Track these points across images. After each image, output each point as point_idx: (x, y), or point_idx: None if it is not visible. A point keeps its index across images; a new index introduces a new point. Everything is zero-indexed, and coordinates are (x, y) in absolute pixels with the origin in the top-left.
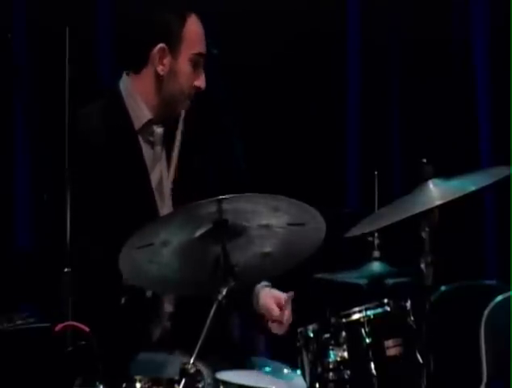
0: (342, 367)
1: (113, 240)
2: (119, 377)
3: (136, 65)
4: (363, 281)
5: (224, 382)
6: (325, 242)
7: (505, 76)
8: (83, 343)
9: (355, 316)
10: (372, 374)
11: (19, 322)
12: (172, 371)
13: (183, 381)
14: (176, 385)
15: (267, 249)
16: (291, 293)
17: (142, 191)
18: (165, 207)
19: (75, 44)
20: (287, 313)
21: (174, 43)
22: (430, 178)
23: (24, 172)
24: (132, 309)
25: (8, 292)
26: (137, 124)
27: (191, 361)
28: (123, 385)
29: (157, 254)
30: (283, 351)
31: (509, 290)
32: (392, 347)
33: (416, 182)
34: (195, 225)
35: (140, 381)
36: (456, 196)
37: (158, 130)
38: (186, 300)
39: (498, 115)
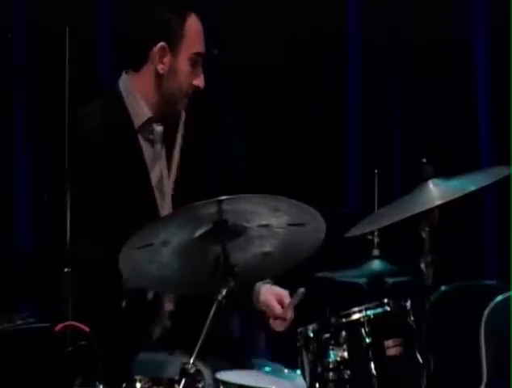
0: (342, 367)
1: (113, 240)
2: (119, 377)
3: (136, 63)
4: (362, 280)
5: (224, 382)
6: (325, 242)
7: (505, 76)
8: (83, 343)
9: (355, 316)
10: (372, 374)
11: (19, 322)
12: (172, 371)
13: (183, 381)
14: (176, 385)
15: (267, 249)
16: (303, 290)
17: (142, 190)
18: (165, 205)
19: (75, 44)
20: (290, 310)
21: (174, 42)
22: (430, 178)
23: (24, 172)
24: (133, 312)
25: (8, 292)
26: (137, 123)
27: (191, 361)
28: (123, 385)
29: (157, 254)
30: (283, 351)
31: (509, 290)
32: (392, 347)
33: (416, 182)
34: (195, 225)
35: (140, 381)
36: (456, 196)
37: (158, 128)
38: (187, 298)
39: (498, 115)
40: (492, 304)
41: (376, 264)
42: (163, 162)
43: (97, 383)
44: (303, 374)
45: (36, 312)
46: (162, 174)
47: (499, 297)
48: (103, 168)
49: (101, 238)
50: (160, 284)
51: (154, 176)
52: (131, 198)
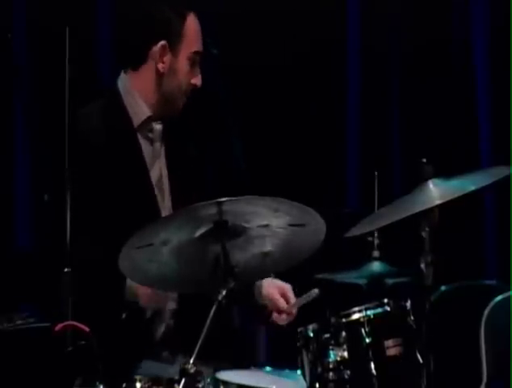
0: (342, 367)
1: (113, 240)
2: (119, 377)
3: (136, 62)
4: (362, 281)
5: (224, 382)
6: (325, 242)
7: (505, 76)
8: (83, 343)
9: (355, 316)
10: (372, 374)
11: (19, 322)
12: (172, 371)
13: (183, 381)
14: (176, 385)
15: (267, 249)
16: (317, 290)
17: (143, 189)
18: (165, 204)
19: (75, 44)
20: (297, 306)
21: (174, 41)
22: (430, 178)
23: (24, 172)
24: (131, 326)
25: (8, 292)
26: (136, 122)
27: (191, 361)
28: (123, 385)
29: (157, 253)
30: (283, 351)
31: (509, 290)
32: (392, 347)
33: (416, 182)
34: (195, 225)
35: (140, 381)
36: (456, 195)
37: (157, 126)
38: (190, 297)
39: (498, 115)
40: (492, 304)
41: (376, 266)
42: (162, 160)
43: (97, 383)
44: (303, 374)
45: (36, 312)
46: (162, 172)
47: (499, 297)
48: (103, 168)
49: (101, 238)
50: (159, 282)
51: (154, 175)
52: (131, 197)
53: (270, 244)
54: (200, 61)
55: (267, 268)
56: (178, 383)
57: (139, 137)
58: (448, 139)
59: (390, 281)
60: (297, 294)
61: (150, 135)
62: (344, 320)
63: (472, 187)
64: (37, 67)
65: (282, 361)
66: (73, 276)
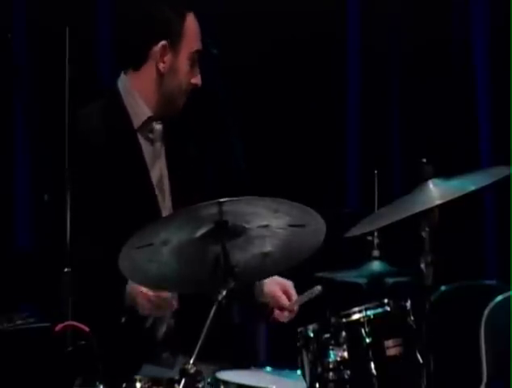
0: (342, 367)
1: (113, 240)
2: (119, 377)
3: (136, 62)
4: (362, 280)
5: (224, 382)
6: (325, 242)
7: (505, 76)
8: (83, 343)
9: (355, 316)
10: (372, 374)
11: (19, 322)
12: (172, 375)
13: (183, 381)
14: (176, 385)
15: (267, 249)
16: (320, 287)
17: (143, 189)
18: (165, 204)
19: (75, 44)
20: (299, 303)
21: (174, 40)
22: (430, 178)
23: (24, 172)
24: (130, 331)
25: (8, 292)
26: (136, 122)
27: (191, 361)
28: (123, 385)
29: (157, 253)
30: (283, 351)
31: (509, 290)
32: (392, 347)
33: (416, 182)
34: (196, 225)
35: (140, 381)
36: (456, 195)
37: (157, 127)
38: (191, 297)
39: (498, 115)
40: (492, 304)
41: (376, 265)
42: (163, 160)
43: (97, 383)
44: (303, 374)
45: (36, 312)
46: (162, 173)
47: (499, 297)
48: (103, 168)
49: (101, 238)
50: (159, 282)
51: (154, 175)
52: (131, 197)
53: (270, 244)
54: (200, 60)
55: (267, 269)
56: (178, 383)
57: (139, 137)
58: (448, 139)
59: (390, 281)
60: (297, 293)
61: (151, 135)
62: (344, 320)
63: (472, 187)
64: (37, 67)
65: (282, 361)
66: (73, 276)
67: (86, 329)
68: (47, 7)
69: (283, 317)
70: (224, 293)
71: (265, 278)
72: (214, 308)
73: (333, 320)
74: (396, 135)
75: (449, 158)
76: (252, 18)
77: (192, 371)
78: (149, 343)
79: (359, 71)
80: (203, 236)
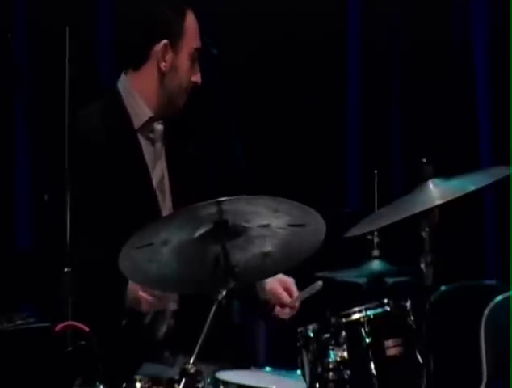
0: (342, 367)
1: (114, 240)
2: (119, 377)
3: (137, 61)
4: (362, 280)
5: (224, 382)
6: (325, 242)
7: (505, 76)
8: (83, 343)
9: (355, 316)
10: (372, 374)
11: (19, 322)
12: (172, 373)
13: (183, 381)
14: (176, 385)
15: (267, 249)
16: (320, 283)
17: (143, 190)
18: (166, 205)
19: (75, 44)
20: (300, 299)
21: (175, 39)
22: (430, 178)
23: (24, 172)
24: (131, 332)
25: (8, 292)
26: (137, 123)
27: (191, 361)
28: (123, 385)
29: (157, 253)
30: (283, 351)
31: (509, 290)
32: (392, 347)
33: (416, 182)
34: (195, 225)
35: (140, 381)
36: (456, 195)
37: (158, 127)
38: (190, 298)
39: (498, 115)
40: (492, 304)
41: (376, 264)
42: (164, 161)
43: (97, 383)
44: (303, 374)
45: (36, 312)
46: (163, 173)
47: (499, 297)
48: (103, 168)
49: (101, 238)
50: (159, 282)
51: (156, 176)
52: (132, 198)
53: (270, 244)
54: (199, 58)
55: (267, 268)
56: (178, 383)
57: (140, 137)
58: (448, 139)
59: (390, 280)
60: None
61: (151, 135)
62: (344, 320)
63: (472, 187)
64: (37, 67)
65: (282, 361)
66: (73, 276)
67: (86, 329)
68: (47, 7)
69: (284, 313)
70: (224, 292)
71: (265, 278)
72: (214, 308)
73: (333, 320)
74: (396, 135)
75: (449, 158)
76: (252, 17)
77: (192, 371)
78: (149, 343)
79: (359, 71)
80: (203, 236)
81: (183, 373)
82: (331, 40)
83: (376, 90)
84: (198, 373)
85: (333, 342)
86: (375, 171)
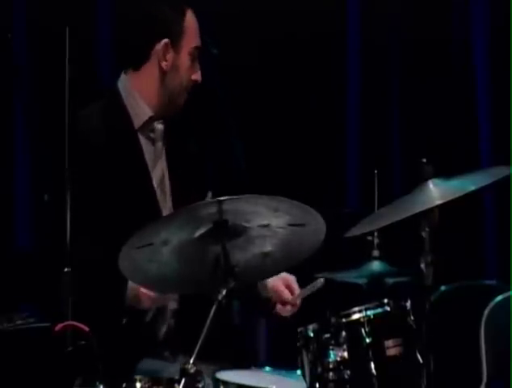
0: (342, 367)
1: (114, 240)
2: (119, 377)
3: (138, 61)
4: (362, 281)
5: (224, 382)
6: (325, 242)
7: (505, 76)
8: (83, 343)
9: (355, 316)
10: (372, 374)
11: (19, 322)
12: (173, 369)
13: (183, 381)
14: (176, 385)
15: (267, 249)
16: (322, 280)
17: (144, 190)
18: (167, 205)
19: (75, 44)
20: (302, 297)
21: (175, 38)
22: (430, 178)
23: (24, 172)
24: (131, 330)
25: (8, 292)
26: (137, 123)
27: (191, 361)
28: (123, 385)
29: (157, 253)
30: (283, 351)
31: (509, 290)
32: (392, 347)
33: (416, 182)
34: (196, 225)
35: (140, 381)
36: (456, 195)
37: (159, 126)
38: (190, 297)
39: (498, 115)
40: (492, 304)
41: (376, 265)
42: (164, 160)
43: (97, 383)
44: (303, 374)
45: (36, 312)
46: (164, 173)
47: (499, 297)
48: (104, 168)
49: (101, 238)
50: (159, 282)
51: (156, 175)
52: (132, 198)
53: (270, 244)
54: (199, 57)
55: (267, 268)
56: (178, 383)
57: (140, 137)
58: (448, 139)
59: (390, 281)
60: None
61: (152, 135)
62: (344, 320)
63: (472, 187)
64: (37, 67)
65: (282, 361)
66: (73, 276)
67: (86, 329)
68: (47, 7)
69: (286, 311)
70: (224, 292)
71: (265, 278)
72: (214, 308)
73: (333, 320)
74: (396, 135)
75: (449, 158)
76: (252, 17)
77: (192, 371)
78: (150, 342)
79: (359, 71)
80: (204, 236)
81: (183, 373)
82: (331, 40)
83: (376, 90)
84: (198, 373)
85: (333, 342)
86: (375, 171)
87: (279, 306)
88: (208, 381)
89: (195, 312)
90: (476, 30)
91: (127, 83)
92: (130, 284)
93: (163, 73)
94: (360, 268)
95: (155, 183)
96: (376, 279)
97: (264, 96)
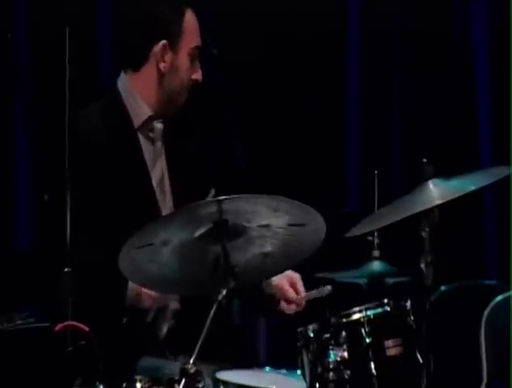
0: (342, 367)
1: (113, 240)
2: (119, 377)
3: (136, 63)
4: (362, 281)
5: (224, 382)
6: (325, 242)
7: (505, 76)
8: (83, 343)
9: (355, 316)
10: (372, 374)
11: (19, 322)
12: (173, 367)
13: (183, 381)
14: (176, 385)
15: (267, 249)
16: (330, 288)
17: (143, 190)
18: (166, 205)
19: (75, 44)
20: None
21: (174, 39)
22: (430, 178)
23: (24, 172)
24: (132, 330)
25: (8, 292)
26: (137, 122)
27: (191, 361)
28: (123, 385)
29: (157, 253)
30: (283, 351)
31: (509, 290)
32: (392, 347)
33: (416, 182)
34: (196, 225)
35: (140, 381)
36: (456, 195)
37: (158, 126)
38: (191, 298)
39: (498, 115)
40: (492, 304)
41: (376, 265)
42: (164, 160)
43: (97, 383)
44: (303, 374)
45: (36, 312)
46: (163, 172)
47: (499, 297)
48: (103, 168)
49: (101, 238)
50: (160, 283)
51: (156, 175)
52: (132, 198)
53: (270, 244)
54: (199, 56)
55: (268, 268)
56: (178, 383)
57: (140, 137)
58: (448, 139)
59: (390, 281)
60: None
61: (151, 135)
62: (344, 320)
63: (472, 187)
64: (37, 67)
65: (282, 361)
66: (73, 276)
67: (86, 329)
68: (47, 7)
69: (290, 309)
70: (224, 292)
71: (265, 278)
72: (214, 308)
73: (333, 320)
74: (396, 135)
75: (449, 158)
76: (252, 16)
77: (192, 371)
78: (150, 343)
79: (359, 71)
80: (204, 236)
81: (183, 373)
82: (331, 40)
83: (376, 90)
84: (198, 373)
85: (333, 342)
86: (375, 171)
87: (283, 304)
88: (208, 381)
89: (196, 312)
90: (476, 30)
91: (126, 83)
92: (131, 283)
93: (162, 74)
94: (360, 268)
95: (154, 182)
96: (376, 279)
97: (264, 96)
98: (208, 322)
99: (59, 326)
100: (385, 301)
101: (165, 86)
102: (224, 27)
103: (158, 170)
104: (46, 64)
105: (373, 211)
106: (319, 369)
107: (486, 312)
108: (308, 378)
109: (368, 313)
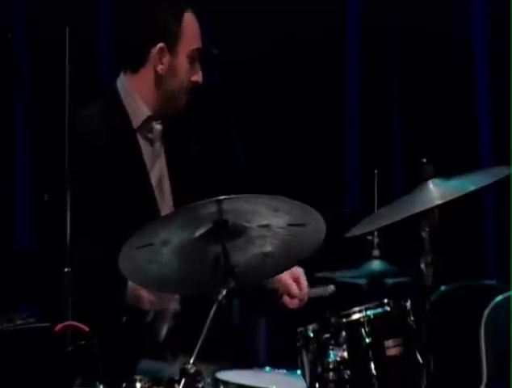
0: (342, 367)
1: (113, 240)
2: (119, 377)
3: (135, 64)
4: (362, 281)
5: (224, 382)
6: (325, 242)
7: (505, 76)
8: (83, 343)
9: (355, 316)
10: (372, 374)
11: (19, 322)
12: (172, 369)
13: (183, 381)
14: (176, 385)
15: (267, 249)
16: (333, 287)
17: (142, 190)
18: (165, 205)
19: (75, 44)
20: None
21: (172, 41)
22: (430, 178)
23: (24, 172)
24: (131, 329)
25: (8, 292)
26: (136, 122)
27: (191, 361)
28: (123, 385)
29: (157, 253)
30: (283, 351)
31: (509, 290)
32: (392, 347)
33: (416, 182)
34: (196, 225)
35: (140, 381)
36: (456, 195)
37: (157, 126)
38: (191, 298)
39: (498, 115)
40: (492, 304)
41: (376, 265)
42: (163, 160)
43: (97, 383)
44: (303, 374)
45: (36, 312)
46: (162, 173)
47: (499, 297)
48: (103, 168)
49: (101, 238)
50: (160, 283)
51: (154, 175)
52: (131, 198)
53: (270, 244)
54: (200, 57)
55: (268, 268)
56: (178, 383)
57: (139, 137)
58: (448, 139)
59: (390, 281)
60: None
61: (150, 135)
62: (344, 320)
63: (472, 187)
64: (37, 67)
65: (282, 361)
66: (73, 276)
67: (86, 329)
68: (47, 7)
69: (293, 304)
70: (224, 292)
71: (266, 278)
72: (214, 308)
73: (333, 320)
74: (396, 135)
75: (449, 158)
76: (252, 16)
77: (192, 371)
78: (150, 343)
79: (359, 71)
80: (204, 236)
81: (183, 373)
82: (331, 40)
83: (376, 90)
84: (198, 373)
85: (333, 342)
86: (375, 171)
87: (286, 298)
88: (208, 381)
89: (196, 313)
90: (476, 30)
91: (126, 84)
92: (131, 283)
93: (160, 76)
94: (360, 268)
95: (153, 182)
96: (376, 279)
97: (264, 96)
98: (208, 322)
99: (59, 326)
100: (385, 301)
101: (164, 87)
102: (224, 27)
103: (157, 171)
104: (46, 64)
105: (373, 211)
106: (319, 369)
107: (486, 312)
108: (308, 378)
109: (368, 313)
